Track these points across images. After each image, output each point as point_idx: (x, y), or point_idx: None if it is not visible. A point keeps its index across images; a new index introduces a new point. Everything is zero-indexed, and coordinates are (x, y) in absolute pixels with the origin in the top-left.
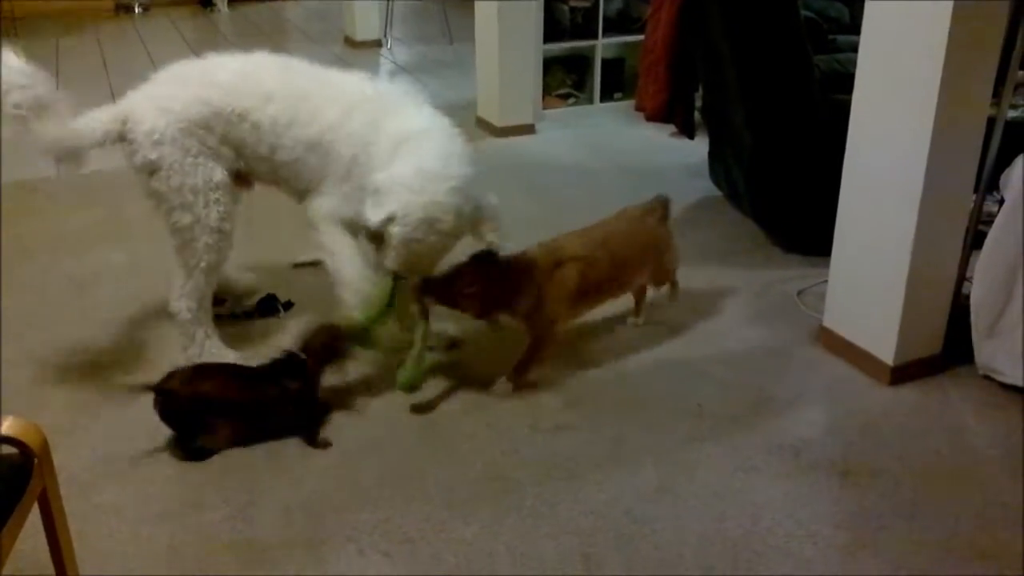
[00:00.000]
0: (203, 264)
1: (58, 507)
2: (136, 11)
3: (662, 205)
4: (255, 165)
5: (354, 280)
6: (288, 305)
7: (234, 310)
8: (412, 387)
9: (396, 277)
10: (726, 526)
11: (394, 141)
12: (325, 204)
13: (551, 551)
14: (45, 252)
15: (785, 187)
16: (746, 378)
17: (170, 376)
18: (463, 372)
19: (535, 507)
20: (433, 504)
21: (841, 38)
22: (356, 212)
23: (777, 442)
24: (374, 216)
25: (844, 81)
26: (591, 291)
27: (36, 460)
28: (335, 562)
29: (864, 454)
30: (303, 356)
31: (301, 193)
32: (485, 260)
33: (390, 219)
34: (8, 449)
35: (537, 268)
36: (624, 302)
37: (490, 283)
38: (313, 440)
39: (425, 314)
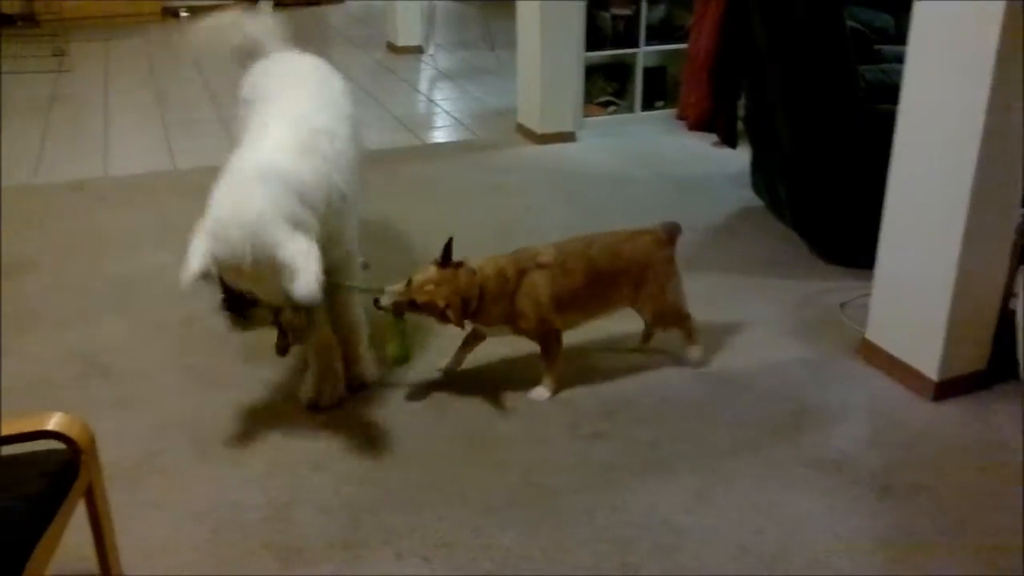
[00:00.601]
0: None
1: (103, 502)
2: (182, 15)
3: (667, 231)
4: None
5: None
6: None
7: None
8: (403, 359)
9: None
10: (764, 538)
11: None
12: None
13: (588, 559)
14: (91, 251)
15: (828, 198)
16: (786, 390)
17: None
18: (500, 377)
19: (572, 514)
20: (470, 509)
21: (886, 48)
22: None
23: (817, 455)
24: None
25: (889, 92)
26: (569, 299)
27: (83, 456)
28: (372, 564)
29: (906, 470)
30: None
31: None
32: (452, 267)
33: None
34: (55, 445)
35: (503, 276)
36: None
37: (456, 294)
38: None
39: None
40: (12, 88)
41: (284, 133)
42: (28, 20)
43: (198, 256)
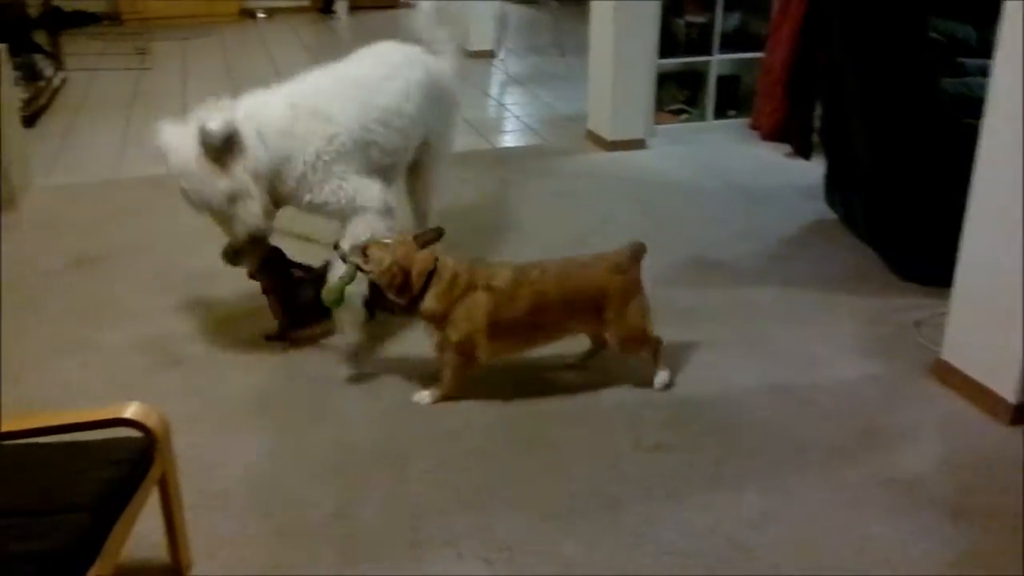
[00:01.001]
0: None
1: (175, 491)
2: (259, 16)
3: (629, 254)
4: None
5: None
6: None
7: None
8: (334, 302)
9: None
10: (830, 560)
11: None
12: None
13: (649, 571)
14: (164, 246)
15: (906, 212)
16: (856, 408)
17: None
18: (566, 383)
19: (635, 525)
20: (532, 514)
21: (969, 61)
22: None
23: (887, 476)
24: None
25: (971, 105)
26: (506, 328)
27: (158, 444)
28: (434, 564)
29: (980, 493)
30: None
31: None
32: (426, 242)
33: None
34: (132, 433)
35: (454, 280)
36: (727, 330)
37: (407, 266)
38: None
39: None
40: (96, 85)
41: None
42: (112, 19)
43: None
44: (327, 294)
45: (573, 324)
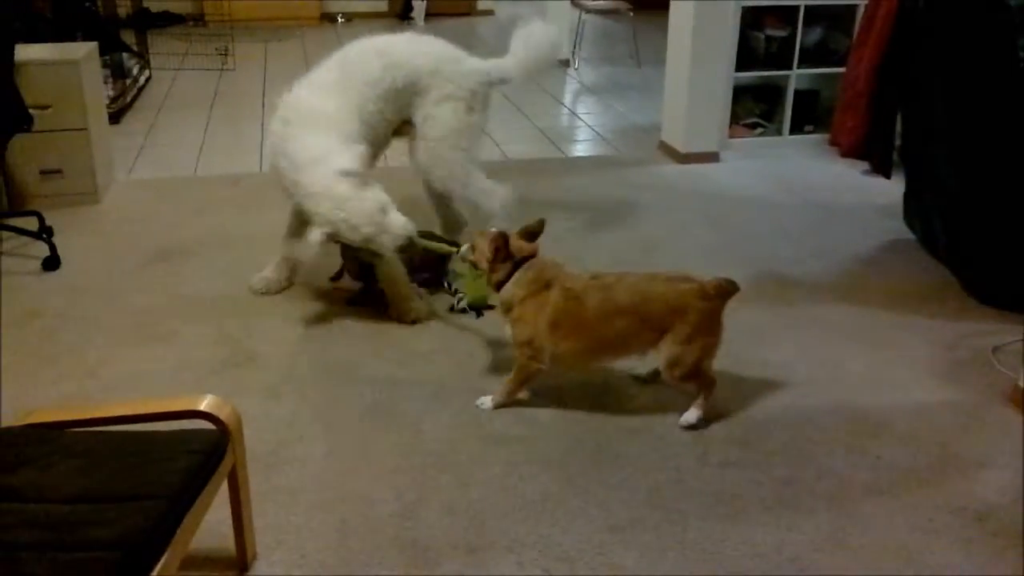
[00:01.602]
0: None
1: (244, 484)
2: (339, 20)
3: (717, 286)
4: None
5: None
6: (488, 307)
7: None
8: (475, 303)
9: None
10: None
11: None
12: None
13: None
14: (244, 243)
15: (987, 235)
16: (931, 433)
17: None
18: (633, 397)
19: (698, 542)
20: (594, 525)
21: None
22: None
23: (960, 504)
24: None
25: None
26: (570, 331)
27: (231, 438)
28: (494, 569)
29: None
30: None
31: None
32: (531, 233)
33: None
34: (205, 425)
35: (534, 272)
36: (799, 348)
37: (502, 253)
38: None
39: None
40: (179, 84)
41: None
42: (197, 20)
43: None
44: (476, 296)
45: (642, 339)
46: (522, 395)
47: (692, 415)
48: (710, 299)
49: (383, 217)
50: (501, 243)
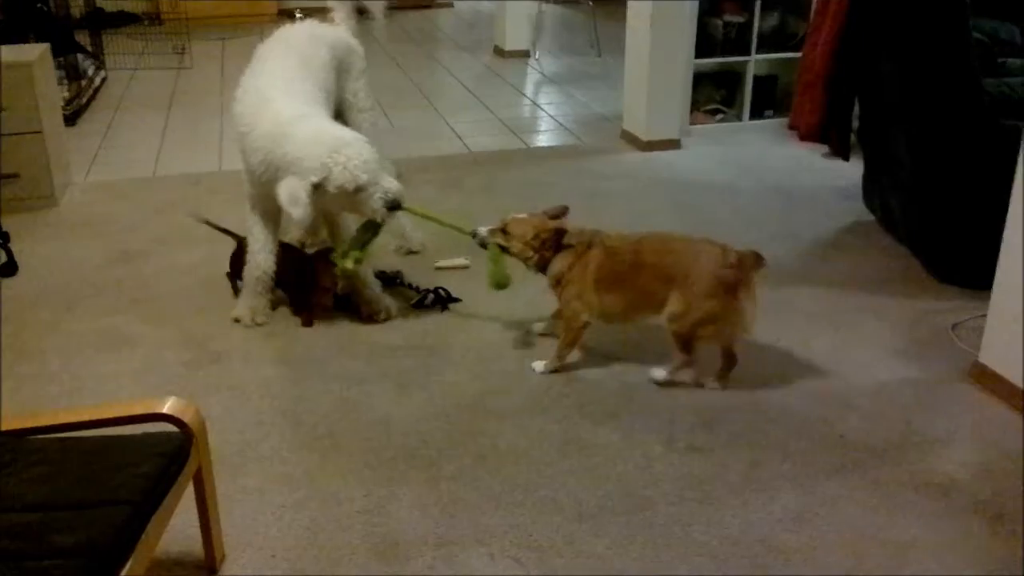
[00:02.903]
0: None
1: (211, 486)
2: (297, 16)
3: (742, 256)
4: None
5: (254, 261)
6: (454, 300)
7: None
8: (500, 285)
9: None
10: (867, 564)
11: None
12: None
13: (682, 573)
14: (204, 242)
15: (945, 214)
16: (893, 411)
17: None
18: (596, 381)
19: (668, 527)
20: (564, 514)
21: (1011, 61)
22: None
23: (924, 480)
24: (299, 190)
25: (1014, 106)
26: (611, 284)
27: (195, 440)
28: (465, 563)
29: (1018, 499)
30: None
31: None
32: (555, 216)
33: (316, 186)
34: (169, 427)
35: (573, 240)
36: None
37: (546, 236)
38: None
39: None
40: (136, 84)
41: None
42: (153, 19)
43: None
44: (497, 280)
45: (662, 297)
46: (572, 357)
47: (659, 372)
48: (730, 266)
49: (379, 168)
50: (550, 234)
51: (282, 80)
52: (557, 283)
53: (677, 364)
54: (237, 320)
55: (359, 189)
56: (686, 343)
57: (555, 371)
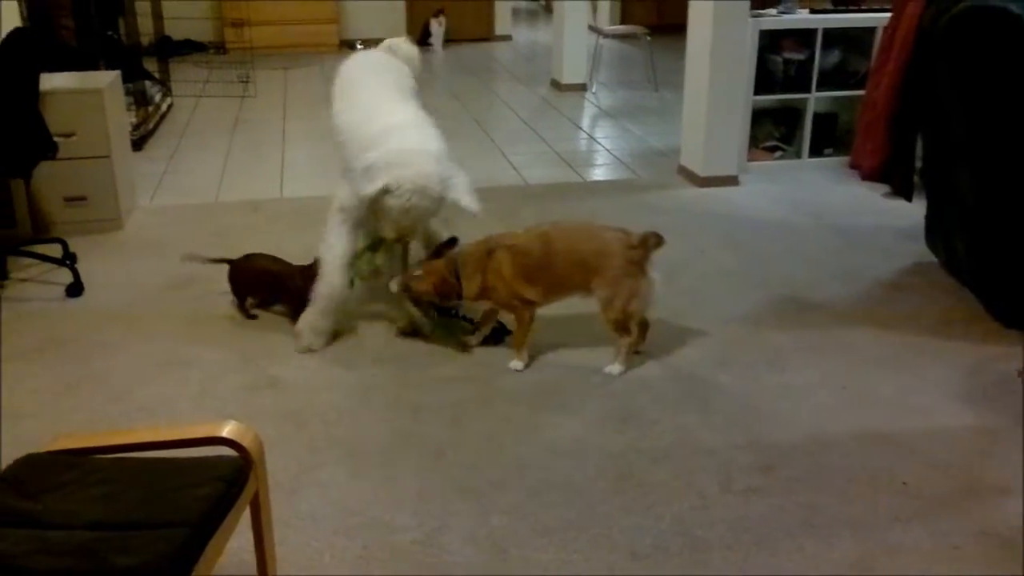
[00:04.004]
0: None
1: (267, 510)
2: (358, 47)
3: (641, 236)
4: None
5: (329, 280)
6: (508, 332)
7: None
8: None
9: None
10: None
11: (380, 130)
12: (338, 194)
13: None
14: None
15: (1011, 256)
16: (957, 459)
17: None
18: (654, 420)
19: (722, 569)
20: (618, 552)
21: None
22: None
23: (989, 530)
24: (367, 190)
25: None
26: (535, 274)
27: (253, 464)
28: None
29: None
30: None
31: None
32: (438, 255)
33: (385, 191)
34: (227, 451)
35: (472, 258)
36: (821, 373)
37: (442, 277)
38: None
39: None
40: (201, 111)
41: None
42: (218, 48)
43: (379, 181)
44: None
45: (578, 279)
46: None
47: (616, 368)
48: (633, 247)
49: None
50: (444, 289)
51: (385, 92)
52: (482, 296)
53: (624, 348)
54: (299, 336)
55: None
56: (622, 324)
57: (526, 366)
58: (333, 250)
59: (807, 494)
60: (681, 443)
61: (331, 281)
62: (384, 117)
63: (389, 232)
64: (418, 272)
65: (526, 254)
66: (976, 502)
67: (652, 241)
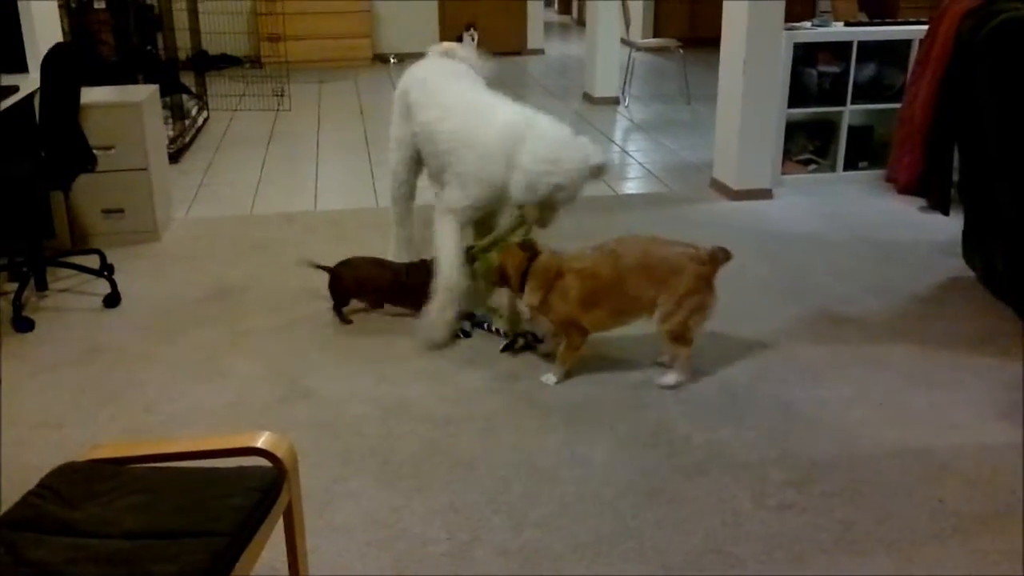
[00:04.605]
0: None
1: (300, 521)
2: (391, 61)
3: (710, 252)
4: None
5: (447, 275)
6: (539, 341)
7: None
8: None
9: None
10: None
11: (502, 136)
12: (446, 197)
13: None
14: (298, 278)
15: None
16: (995, 477)
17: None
18: (686, 435)
19: None
20: (649, 568)
21: None
22: (481, 201)
23: None
24: (534, 192)
25: None
26: (598, 299)
27: (287, 475)
28: None
29: None
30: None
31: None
32: (525, 248)
33: (559, 187)
34: (262, 462)
35: (542, 271)
36: (857, 388)
37: (512, 266)
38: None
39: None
40: (237, 124)
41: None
42: (254, 62)
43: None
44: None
45: (647, 298)
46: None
47: (672, 378)
48: (703, 264)
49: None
50: (512, 266)
51: (478, 94)
52: (540, 311)
53: (680, 361)
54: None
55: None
56: (680, 337)
57: (563, 379)
58: (446, 248)
59: (842, 510)
60: (714, 458)
61: (449, 276)
62: (499, 116)
63: (532, 214)
64: (491, 248)
65: (594, 277)
66: (1013, 520)
67: (721, 257)
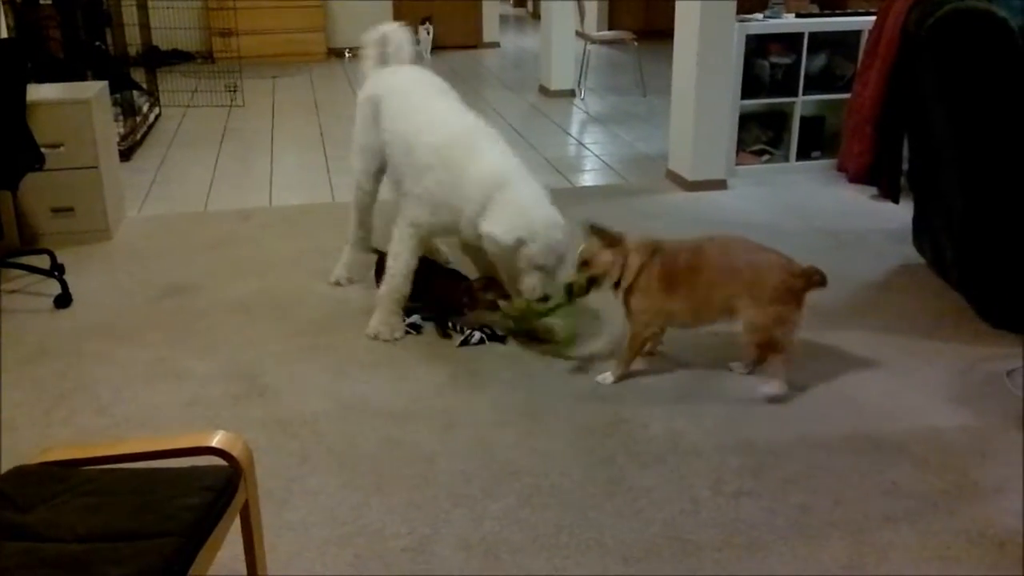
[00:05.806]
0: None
1: (257, 520)
2: (346, 56)
3: (805, 270)
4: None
5: (396, 284)
6: (499, 338)
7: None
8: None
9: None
10: None
11: (485, 176)
12: (412, 212)
13: None
14: (254, 274)
15: (999, 257)
16: (946, 459)
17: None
18: (645, 423)
19: (714, 572)
20: (610, 557)
21: None
22: (446, 224)
23: (979, 531)
24: (503, 235)
25: None
26: (674, 288)
27: (243, 474)
28: None
29: None
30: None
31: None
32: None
33: (520, 241)
34: (217, 461)
35: (640, 257)
36: (811, 375)
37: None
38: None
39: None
40: (190, 121)
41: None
42: (206, 58)
43: (515, 231)
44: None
45: (727, 295)
46: (638, 365)
47: (771, 388)
48: (795, 277)
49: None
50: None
51: (468, 118)
52: (627, 291)
53: (779, 365)
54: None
55: (541, 268)
56: (769, 347)
57: (620, 379)
58: (401, 259)
59: (798, 496)
60: (671, 447)
61: (395, 286)
62: (487, 157)
63: (529, 288)
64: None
65: (676, 264)
66: (966, 502)
67: (816, 279)
